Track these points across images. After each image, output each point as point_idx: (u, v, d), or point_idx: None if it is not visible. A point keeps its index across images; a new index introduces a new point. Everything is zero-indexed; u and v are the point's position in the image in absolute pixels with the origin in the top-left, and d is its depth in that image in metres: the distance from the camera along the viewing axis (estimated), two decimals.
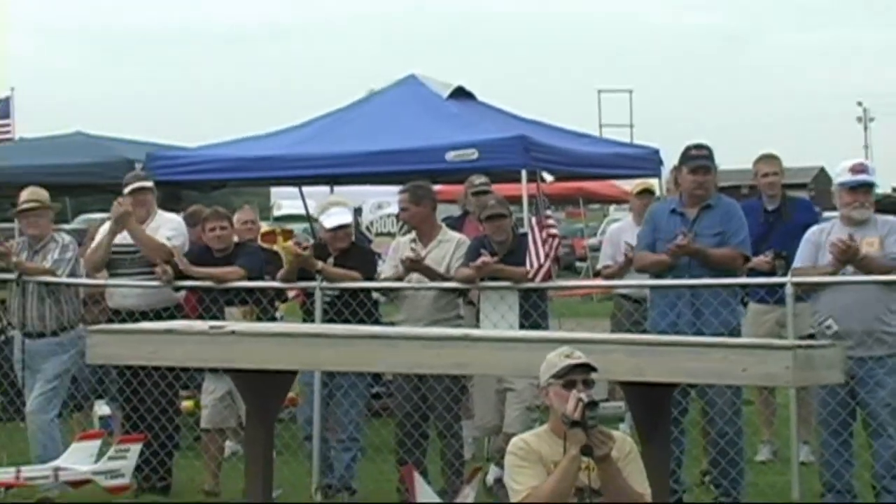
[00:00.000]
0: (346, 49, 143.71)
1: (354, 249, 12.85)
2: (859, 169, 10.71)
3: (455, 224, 13.60)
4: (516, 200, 13.82)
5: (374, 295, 12.73)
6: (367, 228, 23.67)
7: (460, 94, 16.10)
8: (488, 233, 11.58)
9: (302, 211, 19.64)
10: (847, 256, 10.07)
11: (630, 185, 16.81)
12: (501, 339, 9.95)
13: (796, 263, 10.91)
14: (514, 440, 7.92)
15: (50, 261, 12.61)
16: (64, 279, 12.57)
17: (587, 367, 7.47)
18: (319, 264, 11.99)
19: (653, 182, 15.60)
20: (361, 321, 11.70)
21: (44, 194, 13.10)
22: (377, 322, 12.18)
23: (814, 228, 11.31)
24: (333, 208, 13.17)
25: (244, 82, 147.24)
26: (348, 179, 17.90)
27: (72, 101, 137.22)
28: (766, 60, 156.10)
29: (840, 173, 10.95)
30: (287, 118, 16.75)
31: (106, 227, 12.78)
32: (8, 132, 21.85)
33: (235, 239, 13.28)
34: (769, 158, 13.25)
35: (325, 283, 11.92)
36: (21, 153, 18.77)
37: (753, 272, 11.40)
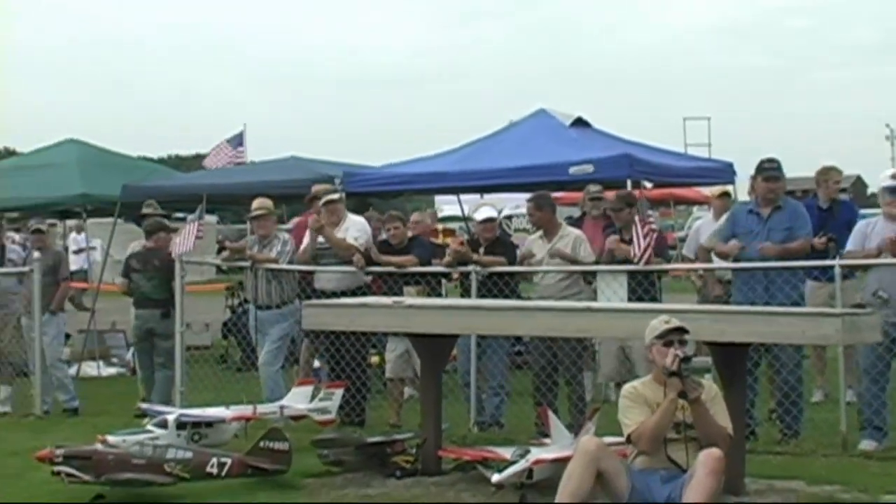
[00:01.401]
0: (490, 88, 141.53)
1: (499, 241, 12.98)
2: None
3: (575, 222, 13.77)
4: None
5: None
6: (507, 226, 23.81)
7: (579, 122, 16.07)
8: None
9: (459, 213, 19.71)
10: None
11: (709, 191, 16.92)
12: (615, 309, 10.27)
13: (848, 247, 11.09)
14: (625, 387, 8.21)
15: (274, 253, 13.10)
16: (284, 266, 13.04)
17: (681, 330, 7.77)
18: (475, 256, 12.37)
19: (729, 188, 15.66)
20: (506, 296, 11.84)
21: (269, 203, 13.57)
22: (518, 297, 12.30)
23: (862, 222, 11.54)
24: (483, 207, 13.49)
25: (414, 116, 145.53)
26: (494, 188, 18.01)
27: (287, 133, 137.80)
28: (810, 91, 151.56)
29: (883, 180, 11.22)
30: (447, 143, 16.98)
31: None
32: (242, 157, 22.09)
33: (409, 234, 13.59)
34: (837, 170, 13.38)
35: (478, 269, 12.14)
36: (252, 173, 18.83)
37: (812, 252, 11.30)
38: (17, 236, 16.42)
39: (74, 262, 22.11)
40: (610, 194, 13.62)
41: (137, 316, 14.09)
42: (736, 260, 11.41)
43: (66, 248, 23.43)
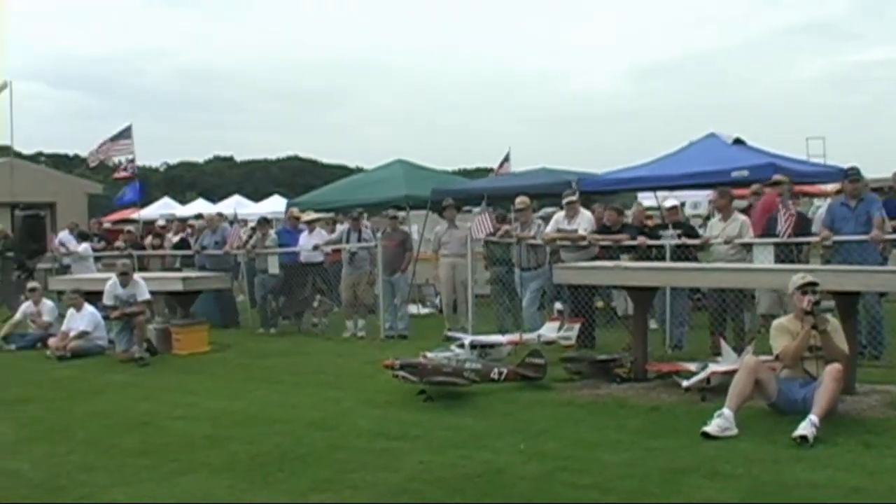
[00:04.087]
0: (674, 118, 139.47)
1: (683, 225, 12.77)
2: None
3: (744, 210, 13.29)
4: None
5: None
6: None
7: (738, 141, 15.64)
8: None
9: (654, 205, 19.50)
10: None
11: (828, 187, 16.87)
12: (765, 269, 10.16)
13: None
14: (774, 322, 8.22)
15: (532, 232, 13.11)
16: (538, 241, 13.01)
17: (813, 283, 7.75)
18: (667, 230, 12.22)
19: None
20: (688, 260, 11.67)
21: (527, 199, 13.64)
22: (696, 260, 11.94)
23: None
24: (669, 199, 13.34)
25: (624, 138, 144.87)
26: (679, 187, 17.74)
27: (540, 151, 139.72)
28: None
29: None
30: (647, 156, 16.86)
31: None
32: (507, 170, 22.37)
33: (628, 220, 13.49)
34: None
35: (670, 241, 11.86)
36: (515, 179, 18.71)
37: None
38: (368, 223, 16.95)
39: None
40: (768, 190, 13.34)
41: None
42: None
43: None
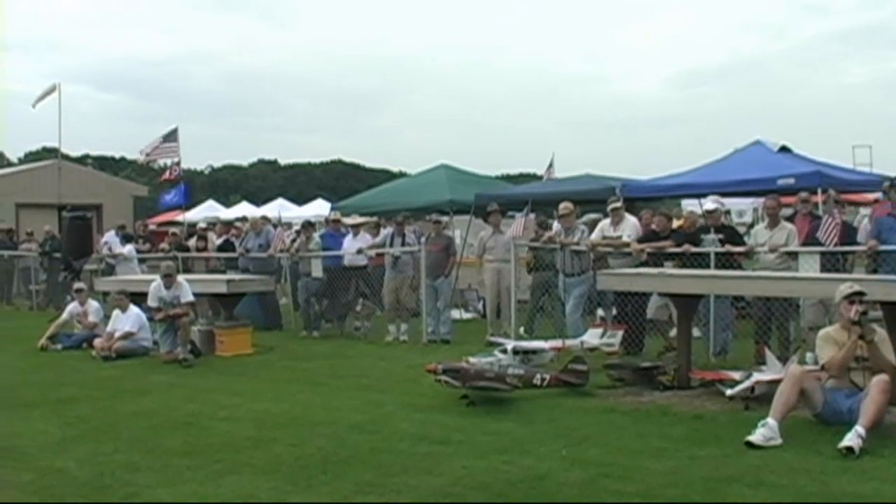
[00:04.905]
0: (719, 125, 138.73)
1: (724, 226, 12.69)
2: None
3: (789, 218, 13.14)
4: (815, 205, 13.45)
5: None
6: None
7: (784, 149, 15.56)
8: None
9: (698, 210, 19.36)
10: None
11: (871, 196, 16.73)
12: (812, 278, 10.05)
13: None
14: (820, 331, 8.16)
15: (576, 237, 13.09)
16: (582, 247, 12.98)
17: (861, 293, 7.68)
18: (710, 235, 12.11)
19: None
20: (732, 268, 11.61)
21: (571, 205, 13.61)
22: (740, 268, 11.96)
23: None
24: (710, 203, 13.23)
25: (669, 143, 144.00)
26: (724, 195, 17.73)
27: (583, 156, 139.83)
28: None
29: None
30: (693, 163, 16.80)
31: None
32: (553, 175, 22.32)
33: (674, 225, 13.39)
34: None
35: (714, 249, 11.78)
36: (558, 185, 18.58)
37: None
38: (416, 227, 17.06)
39: None
40: (815, 198, 13.24)
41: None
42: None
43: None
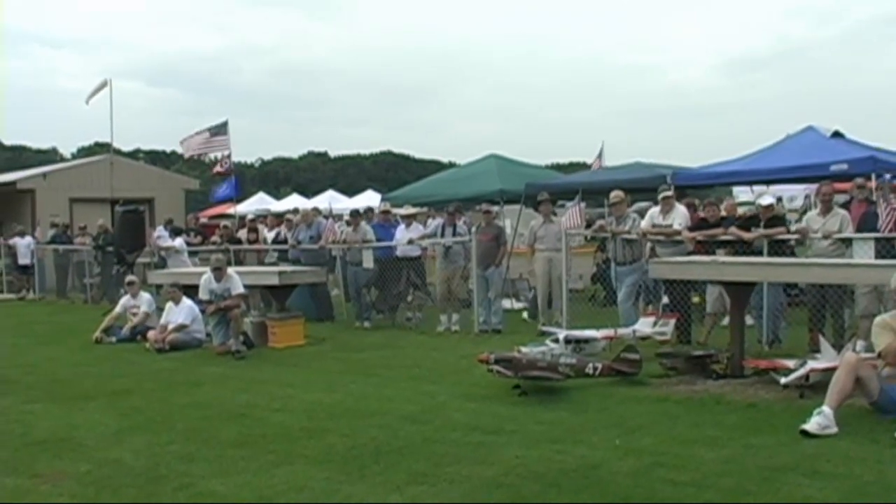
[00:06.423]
0: (772, 112, 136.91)
1: (776, 217, 12.63)
2: None
3: (844, 204, 13.02)
4: (871, 191, 13.24)
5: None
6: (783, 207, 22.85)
7: (837, 135, 15.35)
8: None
9: (750, 199, 19.20)
10: None
11: None
12: (867, 264, 9.98)
13: None
14: (876, 318, 8.02)
15: (627, 226, 13.08)
16: (633, 235, 12.97)
17: None
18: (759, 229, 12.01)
19: None
20: (784, 255, 11.61)
21: (622, 193, 13.55)
22: (793, 255, 11.95)
23: None
24: (765, 196, 13.14)
25: (719, 130, 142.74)
26: (776, 181, 17.60)
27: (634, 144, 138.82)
28: None
29: None
30: (744, 150, 16.63)
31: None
32: (603, 164, 22.11)
33: (722, 214, 13.27)
34: None
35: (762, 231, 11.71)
36: (609, 174, 18.34)
37: None
38: (467, 217, 17.10)
39: None
40: (870, 184, 13.07)
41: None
42: None
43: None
